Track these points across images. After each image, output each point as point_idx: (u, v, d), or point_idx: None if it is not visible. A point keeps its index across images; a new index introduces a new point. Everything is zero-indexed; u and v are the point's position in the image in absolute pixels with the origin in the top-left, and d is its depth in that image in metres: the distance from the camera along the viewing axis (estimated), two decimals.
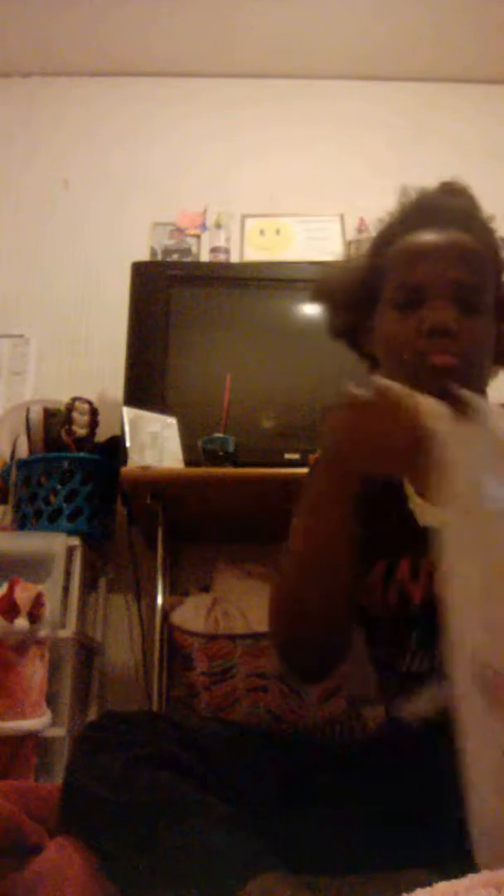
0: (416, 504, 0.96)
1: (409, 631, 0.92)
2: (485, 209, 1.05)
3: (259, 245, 2.75)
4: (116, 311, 2.32)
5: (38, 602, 1.65)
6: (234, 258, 2.66)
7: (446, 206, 1.00)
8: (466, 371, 0.90)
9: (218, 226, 2.68)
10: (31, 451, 2.23)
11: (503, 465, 0.70)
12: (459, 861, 0.64)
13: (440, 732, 0.88)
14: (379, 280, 0.98)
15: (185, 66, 2.89)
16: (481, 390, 0.94)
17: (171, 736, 0.88)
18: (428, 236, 0.95)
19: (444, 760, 0.79)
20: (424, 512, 0.95)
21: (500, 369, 1.01)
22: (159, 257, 2.68)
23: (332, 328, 1.05)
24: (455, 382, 0.88)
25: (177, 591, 2.21)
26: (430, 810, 0.79)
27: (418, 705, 0.76)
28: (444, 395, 0.90)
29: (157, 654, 1.98)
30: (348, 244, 2.65)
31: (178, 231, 2.74)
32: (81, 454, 2.18)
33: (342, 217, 2.69)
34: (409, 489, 0.98)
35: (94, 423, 2.23)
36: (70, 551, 2.07)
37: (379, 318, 0.98)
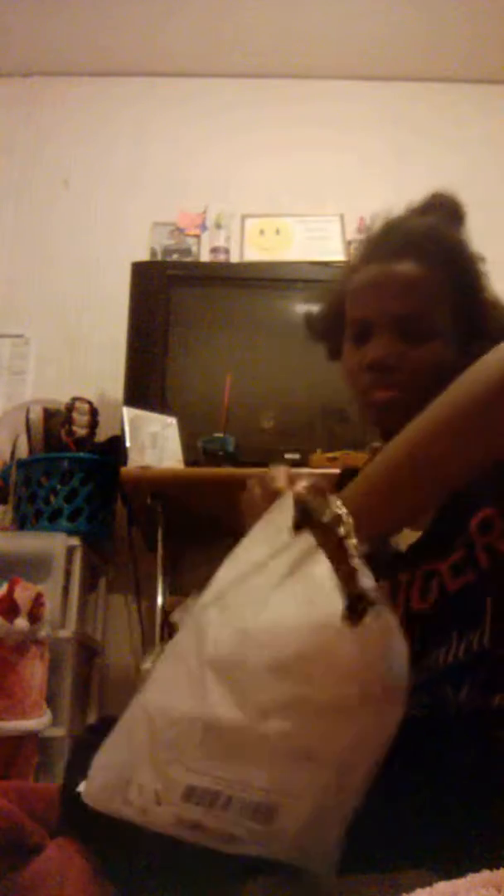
0: None
1: None
2: (463, 218, 1.06)
3: (259, 245, 2.75)
4: (116, 311, 2.32)
5: (38, 602, 1.65)
6: (234, 258, 2.67)
7: (409, 230, 1.01)
8: (411, 402, 0.88)
9: (218, 226, 2.68)
10: (31, 451, 2.23)
11: None
12: (459, 861, 0.64)
13: (435, 733, 0.88)
14: (343, 311, 1.02)
15: (185, 66, 2.89)
16: None
17: None
18: (374, 270, 0.97)
19: (442, 761, 0.79)
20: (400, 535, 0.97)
21: None
22: (159, 257, 2.68)
23: (329, 356, 1.09)
24: (397, 414, 0.88)
25: (177, 591, 2.21)
26: (430, 811, 0.79)
27: None
28: (388, 429, 0.93)
29: (156, 655, 1.98)
30: (348, 244, 2.65)
31: (178, 231, 2.74)
32: (81, 454, 2.18)
33: (342, 217, 2.69)
34: None
35: (94, 423, 2.23)
36: (70, 551, 2.07)
37: (344, 346, 1.02)
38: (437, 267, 0.96)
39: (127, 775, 0.64)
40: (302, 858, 0.65)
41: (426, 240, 0.98)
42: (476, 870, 0.60)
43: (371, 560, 0.90)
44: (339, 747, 0.63)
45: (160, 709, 0.65)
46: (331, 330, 1.05)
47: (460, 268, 0.99)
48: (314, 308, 1.10)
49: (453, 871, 0.61)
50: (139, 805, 0.63)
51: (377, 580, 0.95)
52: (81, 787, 0.70)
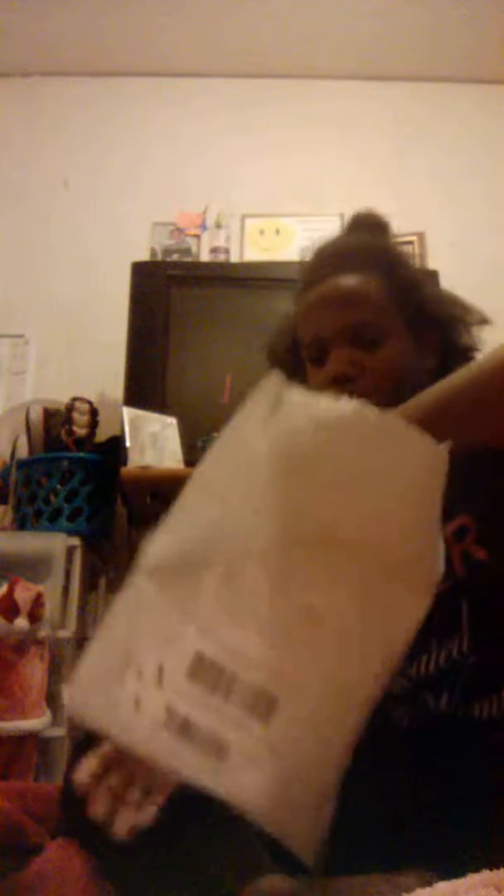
0: None
1: None
2: (387, 228, 1.11)
3: (259, 245, 2.75)
4: (116, 311, 2.32)
5: (38, 602, 1.66)
6: (234, 258, 2.67)
7: (337, 249, 1.05)
8: (379, 405, 0.92)
9: (218, 226, 2.68)
10: (31, 451, 2.23)
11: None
12: (459, 861, 0.64)
13: (431, 734, 0.89)
14: (297, 341, 1.05)
15: (185, 66, 2.89)
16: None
17: None
18: (317, 289, 1.01)
19: (440, 762, 0.79)
20: None
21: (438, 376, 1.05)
22: (159, 257, 2.68)
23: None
24: None
25: None
26: (429, 811, 0.79)
27: None
28: None
29: None
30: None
31: (178, 231, 2.74)
32: (81, 454, 2.18)
33: (342, 217, 2.67)
34: None
35: (94, 423, 2.23)
36: (70, 551, 2.07)
37: (307, 371, 1.04)
38: (374, 273, 1.00)
39: (124, 659, 0.60)
40: (285, 823, 0.60)
41: (359, 251, 1.03)
42: (476, 870, 0.60)
43: None
44: (345, 609, 0.60)
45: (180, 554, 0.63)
46: (293, 363, 1.07)
47: (396, 270, 1.02)
48: (271, 344, 1.14)
49: (453, 871, 0.61)
50: (132, 694, 0.58)
51: None
52: (65, 694, 0.68)
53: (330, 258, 1.04)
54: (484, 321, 1.04)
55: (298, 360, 1.06)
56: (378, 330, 0.97)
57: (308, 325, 1.02)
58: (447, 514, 0.87)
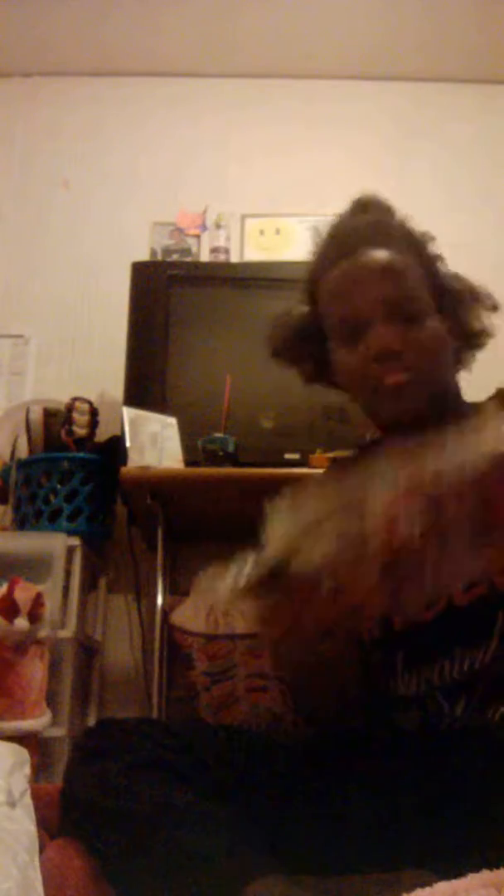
0: None
1: (395, 655, 0.91)
2: (395, 210, 1.07)
3: (259, 245, 2.75)
4: (116, 311, 2.32)
5: (38, 602, 1.65)
6: (234, 258, 2.66)
7: (357, 226, 1.01)
8: (423, 380, 0.92)
9: (218, 226, 2.68)
10: (31, 451, 2.23)
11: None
12: (459, 861, 0.64)
13: (441, 738, 0.88)
14: (319, 321, 1.01)
15: (185, 66, 2.89)
16: (446, 388, 0.97)
17: (167, 742, 0.88)
18: (347, 266, 0.96)
19: (448, 764, 0.79)
20: None
21: (470, 355, 1.03)
22: (159, 257, 2.68)
23: (302, 379, 1.08)
24: (412, 396, 0.92)
25: (177, 591, 2.21)
26: (428, 811, 0.79)
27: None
28: (404, 414, 0.95)
29: (157, 655, 1.98)
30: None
31: (178, 231, 2.74)
32: (81, 454, 2.18)
33: None
34: None
35: (94, 423, 2.23)
36: (70, 551, 2.07)
37: (333, 357, 1.00)
38: (400, 249, 0.96)
39: None
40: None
41: (382, 228, 0.99)
42: (476, 870, 0.60)
43: None
44: None
45: None
46: (303, 352, 1.04)
47: (420, 247, 0.99)
48: (275, 337, 1.09)
49: (453, 871, 0.61)
50: None
51: None
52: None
53: (352, 234, 0.99)
54: (495, 307, 1.01)
55: (311, 350, 1.02)
56: (418, 305, 0.94)
57: (338, 303, 0.97)
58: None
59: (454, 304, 0.98)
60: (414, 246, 0.99)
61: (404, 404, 0.93)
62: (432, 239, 1.03)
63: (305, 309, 1.04)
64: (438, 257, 1.02)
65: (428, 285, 0.96)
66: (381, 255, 0.95)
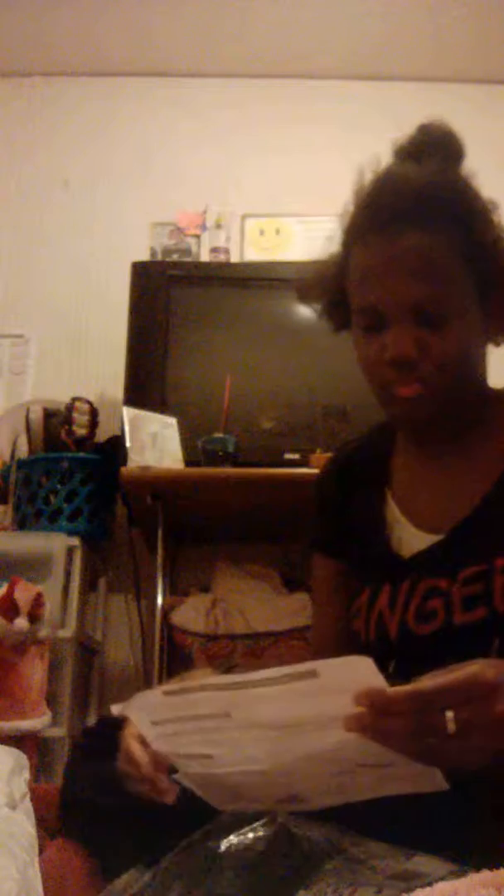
0: (402, 528, 0.94)
1: (388, 661, 0.90)
2: (462, 159, 0.97)
3: (259, 245, 2.75)
4: (116, 311, 2.32)
5: (38, 602, 1.65)
6: (234, 258, 2.66)
7: (406, 187, 0.89)
8: (438, 393, 0.86)
9: (218, 226, 2.68)
10: (31, 451, 2.23)
11: None
12: (458, 858, 0.64)
13: None
14: (346, 282, 0.92)
15: (185, 66, 2.89)
16: (466, 391, 0.89)
17: None
18: (376, 246, 0.86)
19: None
20: (409, 537, 0.93)
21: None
22: (159, 257, 2.68)
23: (331, 327, 0.99)
24: (424, 408, 0.86)
25: (177, 591, 2.21)
26: (428, 810, 0.78)
27: None
28: (415, 424, 0.91)
29: (157, 655, 1.98)
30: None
31: (178, 231, 2.74)
32: (81, 454, 2.18)
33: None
34: (392, 516, 0.96)
35: (94, 423, 2.23)
36: (70, 551, 2.07)
37: (353, 333, 0.92)
38: (444, 228, 0.85)
39: None
40: None
41: (428, 198, 0.87)
42: (476, 869, 0.60)
43: (368, 563, 0.89)
44: None
45: None
46: (332, 304, 0.96)
47: (469, 219, 0.88)
48: (307, 284, 0.99)
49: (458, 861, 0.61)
50: None
51: (374, 585, 0.93)
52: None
53: (394, 200, 0.88)
54: None
55: (341, 304, 0.93)
56: (445, 307, 0.84)
57: (363, 291, 0.88)
58: (498, 547, 0.83)
59: (499, 281, 0.88)
60: (466, 221, 0.87)
61: (416, 416, 0.88)
62: (495, 207, 0.92)
63: (337, 253, 0.94)
64: (496, 231, 0.89)
65: (472, 270, 0.86)
66: (412, 242, 0.84)
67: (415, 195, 0.87)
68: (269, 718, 0.64)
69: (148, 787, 0.74)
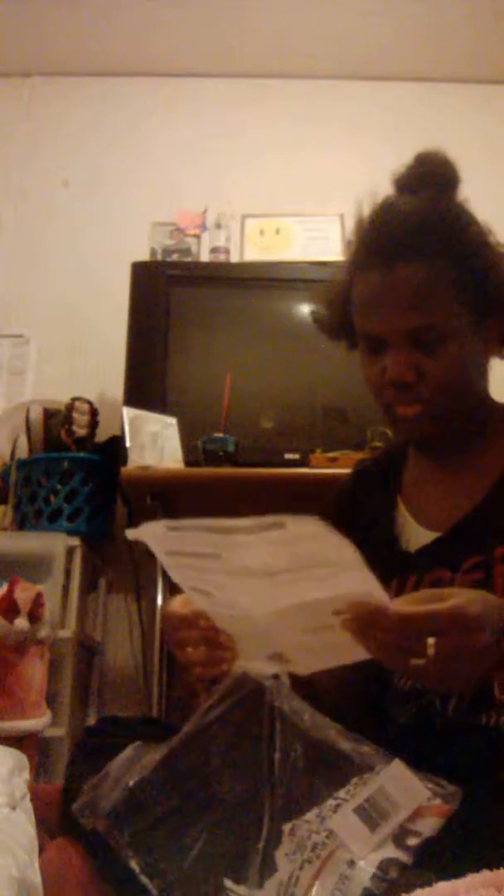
0: (410, 527, 1.00)
1: None
2: (457, 185, 1.03)
3: (259, 245, 2.75)
4: (116, 311, 2.32)
5: (38, 602, 1.65)
6: (234, 258, 2.66)
7: (401, 221, 0.95)
8: (437, 411, 0.93)
9: (218, 226, 2.68)
10: (31, 451, 2.23)
11: None
12: (458, 859, 0.64)
13: (432, 735, 0.88)
14: (352, 308, 0.98)
15: (185, 66, 2.89)
16: (466, 408, 0.96)
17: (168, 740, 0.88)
18: (375, 279, 0.93)
19: (439, 761, 0.79)
20: (416, 535, 0.99)
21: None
22: (159, 257, 2.68)
23: (346, 347, 1.05)
24: (424, 427, 0.94)
25: (177, 591, 2.20)
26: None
27: None
28: (416, 442, 1.01)
29: (157, 654, 1.98)
30: (348, 244, 2.64)
31: (178, 231, 2.74)
32: (81, 454, 2.18)
33: (342, 217, 2.69)
34: (402, 517, 1.02)
35: (94, 423, 2.23)
36: (70, 551, 2.07)
37: (359, 352, 0.99)
38: (437, 259, 0.91)
39: None
40: None
41: (422, 232, 0.93)
42: (476, 869, 0.60)
43: (377, 557, 0.89)
44: None
45: None
46: (343, 328, 1.02)
47: (460, 249, 0.93)
48: (319, 310, 1.07)
49: (450, 869, 0.61)
50: None
51: (383, 580, 0.94)
52: None
53: (389, 234, 0.94)
54: None
55: (350, 327, 0.99)
56: (439, 331, 0.91)
57: (363, 319, 0.95)
58: (498, 537, 0.88)
59: (500, 311, 0.95)
60: (460, 251, 0.93)
61: (416, 434, 0.98)
62: (490, 232, 0.98)
63: (344, 281, 1.00)
64: (488, 259, 0.95)
65: (466, 297, 0.92)
66: (406, 273, 0.91)
67: (409, 229, 0.94)
68: (251, 564, 0.71)
69: (203, 652, 0.86)
